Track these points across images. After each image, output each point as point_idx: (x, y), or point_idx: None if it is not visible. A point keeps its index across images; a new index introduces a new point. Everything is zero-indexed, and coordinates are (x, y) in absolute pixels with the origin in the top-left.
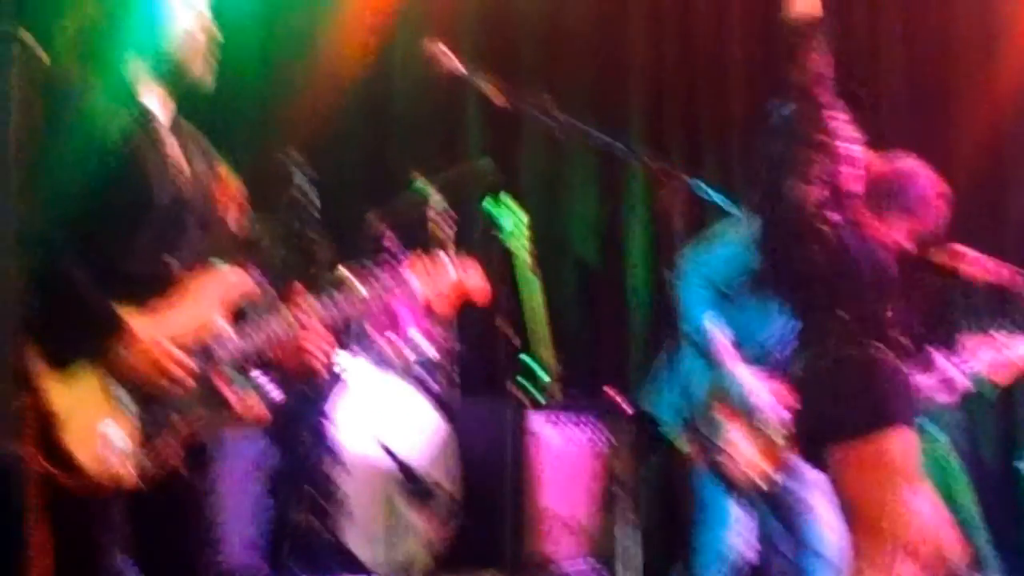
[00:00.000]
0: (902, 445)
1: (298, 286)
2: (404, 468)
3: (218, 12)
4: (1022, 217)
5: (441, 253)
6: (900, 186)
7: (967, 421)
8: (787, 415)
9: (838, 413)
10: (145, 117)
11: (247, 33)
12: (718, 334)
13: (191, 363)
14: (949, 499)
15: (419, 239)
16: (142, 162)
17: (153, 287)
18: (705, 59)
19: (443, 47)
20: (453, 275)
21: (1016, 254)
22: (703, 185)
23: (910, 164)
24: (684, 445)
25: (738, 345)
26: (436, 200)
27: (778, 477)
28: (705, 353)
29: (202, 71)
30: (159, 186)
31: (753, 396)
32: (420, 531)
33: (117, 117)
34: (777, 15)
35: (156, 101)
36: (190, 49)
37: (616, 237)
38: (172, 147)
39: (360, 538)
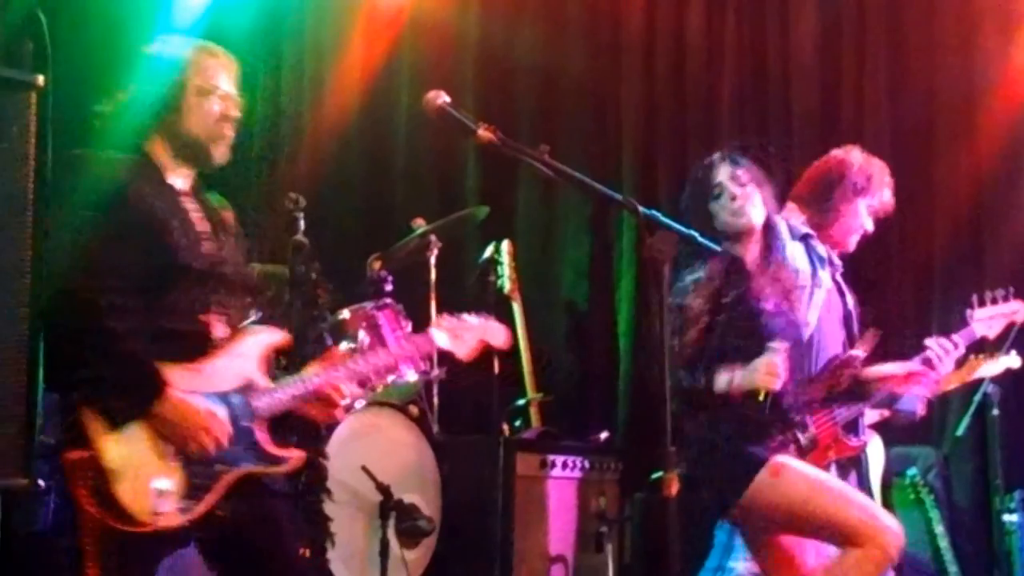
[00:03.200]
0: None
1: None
2: (395, 503)
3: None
4: (1000, 261)
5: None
6: (840, 173)
7: (942, 461)
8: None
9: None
10: (169, 191)
11: (253, 83)
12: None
13: (228, 426)
14: (925, 537)
15: (419, 283)
16: (167, 230)
17: (191, 344)
18: (695, 111)
19: (444, 97)
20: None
21: None
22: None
23: (841, 152)
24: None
25: None
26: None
27: None
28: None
29: (223, 154)
30: (185, 251)
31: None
32: (410, 566)
33: (145, 192)
34: (766, 66)
35: (177, 178)
36: (212, 133)
37: (607, 282)
38: (196, 215)
39: (351, 572)
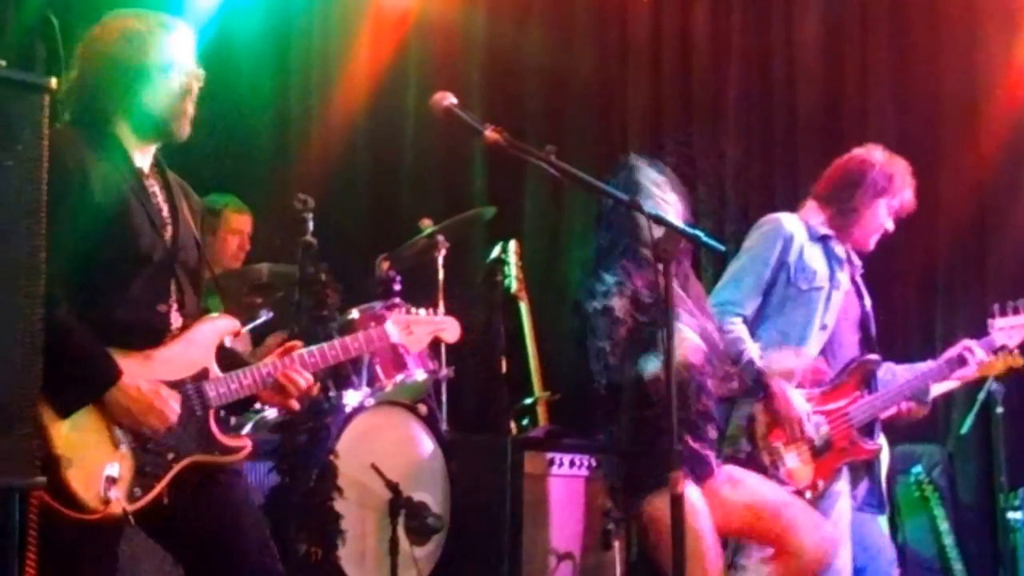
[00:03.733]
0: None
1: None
2: (404, 501)
3: (234, 65)
4: (1002, 261)
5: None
6: (862, 173)
7: (946, 459)
8: (826, 423)
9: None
10: (133, 174)
11: (261, 85)
12: (758, 360)
13: (178, 406)
14: (930, 535)
15: (426, 283)
16: (131, 217)
17: (148, 334)
18: (701, 113)
19: (450, 99)
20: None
21: (998, 295)
22: (697, 231)
23: (863, 152)
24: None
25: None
26: (442, 245)
27: (822, 485)
28: (753, 381)
29: (184, 130)
30: (148, 239)
31: (788, 410)
32: (419, 564)
33: (108, 173)
34: (771, 68)
35: (140, 155)
36: (174, 110)
37: None
38: (158, 199)
39: (361, 570)
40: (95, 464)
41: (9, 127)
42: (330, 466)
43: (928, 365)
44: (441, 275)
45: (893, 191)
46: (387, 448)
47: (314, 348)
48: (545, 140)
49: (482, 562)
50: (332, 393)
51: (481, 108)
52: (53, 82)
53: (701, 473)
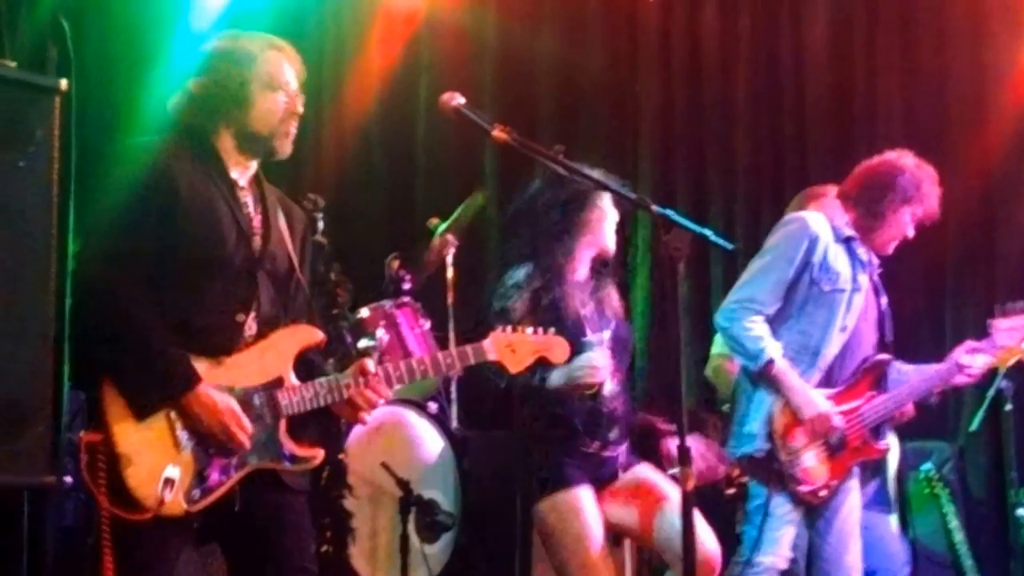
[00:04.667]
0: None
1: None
2: (415, 499)
3: None
4: (1010, 257)
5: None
6: (892, 180)
7: (957, 455)
8: (843, 423)
9: None
10: (226, 183)
11: None
12: (779, 359)
13: (250, 426)
14: (940, 531)
15: (437, 281)
16: (216, 223)
17: (222, 340)
18: (711, 110)
19: (459, 99)
20: None
21: (1007, 292)
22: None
23: (894, 156)
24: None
25: (793, 361)
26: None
27: (835, 484)
28: (769, 381)
29: (286, 149)
30: (231, 246)
31: (812, 408)
32: (430, 561)
33: (199, 181)
34: (780, 67)
35: (239, 169)
36: (277, 129)
37: (622, 278)
38: (250, 210)
39: (372, 567)
40: (155, 464)
41: (22, 129)
42: (340, 464)
43: (935, 368)
44: (451, 273)
45: (920, 199)
46: (397, 446)
47: (401, 362)
48: (556, 139)
49: (493, 559)
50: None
51: (492, 108)
52: (64, 84)
53: (603, 477)
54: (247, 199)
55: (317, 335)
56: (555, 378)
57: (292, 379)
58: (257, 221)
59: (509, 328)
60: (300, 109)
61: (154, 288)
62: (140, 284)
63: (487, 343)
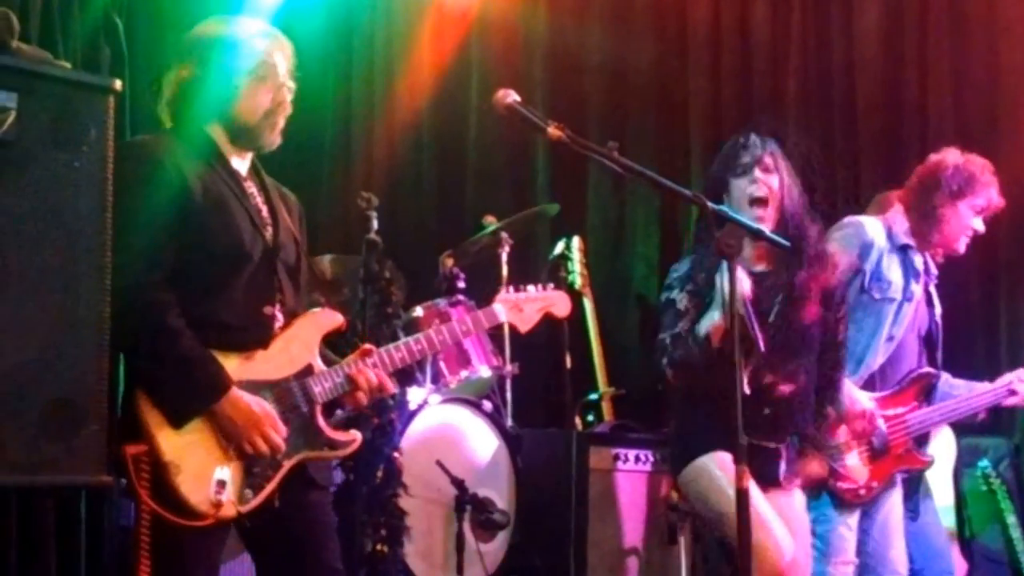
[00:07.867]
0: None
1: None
2: (470, 497)
3: (297, 64)
4: None
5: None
6: (936, 178)
7: (1013, 452)
8: (885, 426)
9: None
10: (231, 175)
11: (325, 84)
12: None
13: (283, 428)
14: (997, 527)
15: (490, 279)
16: (232, 217)
17: (254, 336)
18: (762, 105)
19: (513, 96)
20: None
21: None
22: (757, 225)
23: (937, 155)
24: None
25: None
26: (506, 242)
27: (876, 487)
28: None
29: (274, 141)
30: (249, 238)
31: (854, 406)
32: (485, 559)
33: (207, 176)
34: (831, 61)
35: (238, 159)
36: (264, 120)
37: None
38: (257, 200)
39: (427, 566)
40: (204, 468)
41: (75, 128)
42: (395, 463)
43: (986, 388)
44: (505, 271)
45: (973, 191)
46: (452, 445)
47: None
48: (606, 136)
49: (548, 557)
50: (396, 390)
51: (543, 105)
52: (118, 83)
53: (766, 478)
54: (252, 190)
55: (338, 319)
56: (704, 325)
57: (320, 365)
58: (265, 211)
59: (513, 288)
60: (288, 98)
61: (179, 287)
62: (169, 288)
63: (496, 306)
